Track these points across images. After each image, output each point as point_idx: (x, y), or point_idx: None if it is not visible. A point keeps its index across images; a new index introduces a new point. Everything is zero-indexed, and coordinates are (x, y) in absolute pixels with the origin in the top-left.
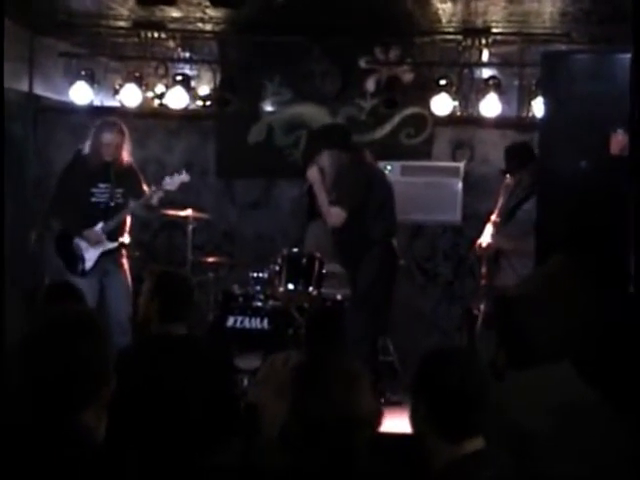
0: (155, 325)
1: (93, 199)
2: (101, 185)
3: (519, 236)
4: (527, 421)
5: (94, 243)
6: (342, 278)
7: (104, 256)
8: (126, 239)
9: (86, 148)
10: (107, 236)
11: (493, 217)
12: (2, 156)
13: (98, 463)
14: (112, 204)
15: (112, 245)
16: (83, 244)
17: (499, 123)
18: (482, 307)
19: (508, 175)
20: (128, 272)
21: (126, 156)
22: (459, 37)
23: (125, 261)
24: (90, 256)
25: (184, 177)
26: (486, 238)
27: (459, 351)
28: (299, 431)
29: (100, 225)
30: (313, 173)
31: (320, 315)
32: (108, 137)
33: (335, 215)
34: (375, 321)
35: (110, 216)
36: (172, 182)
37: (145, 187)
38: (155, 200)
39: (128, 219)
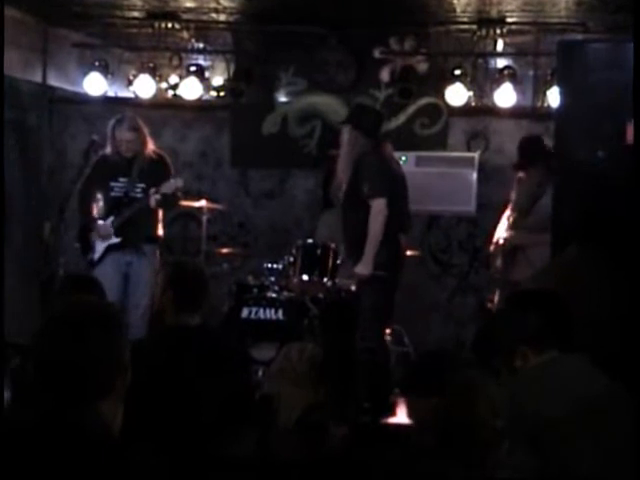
0: (170, 316)
1: (112, 193)
2: (121, 179)
3: (537, 231)
4: (546, 410)
5: (100, 236)
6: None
7: (123, 248)
8: (160, 231)
9: (107, 147)
10: (116, 229)
11: (507, 212)
12: (1, 146)
13: (115, 454)
14: (126, 199)
15: (117, 240)
16: (95, 236)
17: (514, 113)
18: (496, 300)
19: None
20: (155, 265)
21: (150, 150)
22: (474, 27)
23: (155, 254)
24: (99, 248)
25: (179, 182)
26: (501, 234)
27: None
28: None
29: (111, 219)
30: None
31: (333, 307)
32: (120, 135)
33: (379, 207)
34: (379, 314)
35: (123, 210)
36: (169, 186)
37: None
38: (153, 202)
39: (160, 213)
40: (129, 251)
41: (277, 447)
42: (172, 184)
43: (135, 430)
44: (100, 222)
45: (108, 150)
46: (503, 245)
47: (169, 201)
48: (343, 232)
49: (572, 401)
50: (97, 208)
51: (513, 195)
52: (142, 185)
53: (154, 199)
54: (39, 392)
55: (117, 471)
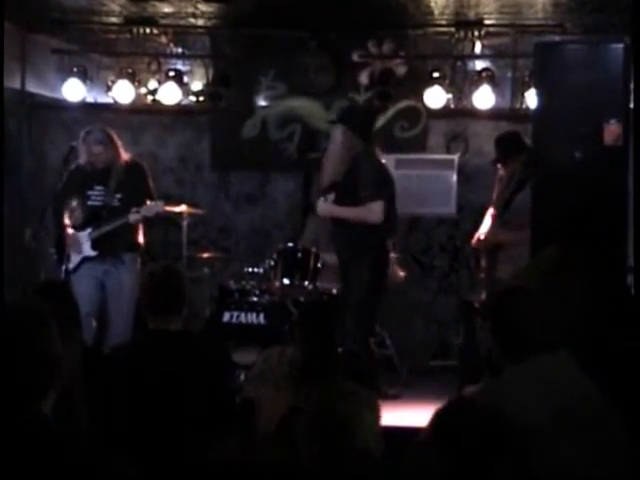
0: (149, 321)
1: (89, 202)
2: (97, 187)
3: (515, 227)
4: (527, 415)
5: (73, 248)
6: (338, 271)
7: (100, 258)
8: (140, 239)
9: (80, 158)
10: (93, 242)
11: (490, 210)
12: (2, 155)
13: (61, 452)
14: (105, 210)
15: (93, 253)
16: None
17: (493, 115)
18: (482, 299)
19: (499, 165)
20: (135, 273)
21: (123, 160)
22: (452, 29)
23: (136, 261)
24: (74, 258)
25: (160, 206)
26: (484, 230)
27: None
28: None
29: (88, 230)
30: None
31: (311, 308)
32: (88, 147)
33: (375, 210)
34: (361, 321)
35: (102, 221)
36: (150, 209)
37: (150, 194)
38: (132, 220)
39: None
40: (106, 260)
41: (259, 452)
42: (153, 208)
43: (116, 435)
44: (70, 231)
45: (82, 160)
46: (484, 241)
47: (149, 220)
48: (332, 232)
49: (553, 406)
50: (74, 217)
51: (495, 194)
52: (119, 195)
53: (134, 218)
54: None
55: (59, 469)
